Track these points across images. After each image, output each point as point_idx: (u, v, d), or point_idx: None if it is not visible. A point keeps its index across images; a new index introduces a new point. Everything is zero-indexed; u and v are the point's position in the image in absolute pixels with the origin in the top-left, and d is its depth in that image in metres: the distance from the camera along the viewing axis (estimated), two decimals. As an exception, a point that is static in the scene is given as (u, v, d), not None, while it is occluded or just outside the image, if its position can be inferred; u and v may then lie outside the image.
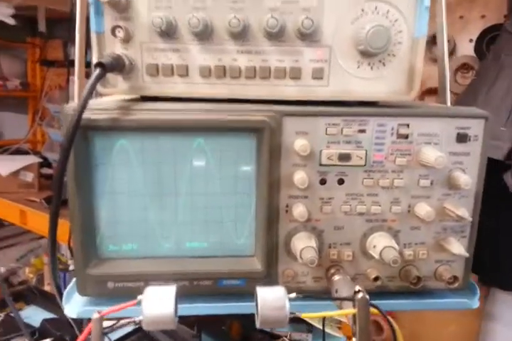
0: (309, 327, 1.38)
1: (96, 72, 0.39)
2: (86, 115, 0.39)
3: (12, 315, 1.41)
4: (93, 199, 0.44)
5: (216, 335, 1.34)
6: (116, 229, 0.45)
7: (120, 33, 0.43)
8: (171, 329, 0.31)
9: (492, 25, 1.49)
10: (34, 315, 1.41)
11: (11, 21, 1.26)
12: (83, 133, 0.41)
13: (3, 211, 1.86)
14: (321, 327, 1.31)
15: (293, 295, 0.32)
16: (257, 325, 0.31)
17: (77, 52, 0.49)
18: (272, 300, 0.29)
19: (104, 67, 0.39)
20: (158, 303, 0.31)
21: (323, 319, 0.76)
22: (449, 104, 0.56)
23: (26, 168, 2.01)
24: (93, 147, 0.43)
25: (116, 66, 0.42)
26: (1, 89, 2.52)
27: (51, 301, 1.61)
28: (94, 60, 0.43)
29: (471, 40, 1.55)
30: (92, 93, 0.39)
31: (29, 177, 2.02)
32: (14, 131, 2.91)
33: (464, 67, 1.58)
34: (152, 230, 0.45)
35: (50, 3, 1.29)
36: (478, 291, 0.49)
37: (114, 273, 0.44)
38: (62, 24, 2.35)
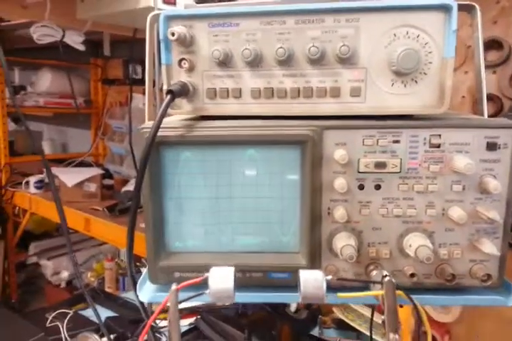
0: (358, 334, 1.41)
1: (167, 98, 0.47)
2: (159, 133, 0.48)
3: (80, 312, 1.55)
4: (163, 203, 0.53)
5: (266, 338, 1.40)
6: (181, 228, 0.53)
7: (185, 65, 0.52)
8: (230, 303, 0.38)
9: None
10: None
11: (82, 48, 1.41)
12: (156, 147, 0.50)
13: (69, 219, 2.00)
14: (369, 334, 1.33)
15: (329, 277, 0.38)
16: (299, 300, 0.37)
17: (147, 83, 0.58)
18: (312, 280, 0.35)
19: (174, 94, 0.48)
20: (221, 279, 0.38)
21: (371, 326, 0.80)
22: (485, 115, 0.59)
23: (90, 180, 2.17)
24: (163, 159, 0.51)
25: (183, 92, 0.50)
26: (68, 107, 2.75)
27: (113, 301, 1.75)
28: (165, 88, 0.51)
29: (528, 44, 1.52)
30: (164, 115, 0.47)
31: (92, 187, 2.18)
32: (78, 145, 3.16)
33: (521, 72, 1.56)
34: (211, 229, 0.53)
35: (115, 29, 1.43)
36: (514, 290, 0.52)
37: (180, 265, 0.52)
38: (121, 44, 2.55)
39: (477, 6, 0.56)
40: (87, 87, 3.03)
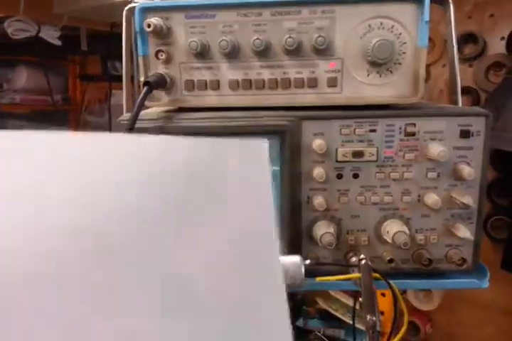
0: (342, 323, 1.43)
1: (144, 90, 0.47)
2: (137, 125, 0.48)
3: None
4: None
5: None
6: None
7: (162, 56, 0.52)
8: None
9: (525, 23, 1.49)
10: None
11: (58, 42, 1.39)
12: (135, 140, 0.50)
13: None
14: (352, 323, 1.35)
15: (308, 261, 0.39)
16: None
17: (124, 75, 0.57)
18: (290, 265, 0.36)
19: (151, 85, 0.48)
20: None
21: (353, 315, 0.82)
22: (460, 104, 0.60)
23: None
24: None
25: (160, 83, 0.50)
26: (46, 104, 2.69)
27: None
28: (142, 79, 0.51)
29: (502, 38, 1.56)
30: (141, 106, 0.47)
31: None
32: (57, 143, 3.09)
33: (497, 65, 1.60)
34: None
35: (92, 24, 1.41)
36: (488, 273, 0.54)
37: None
38: (99, 40, 2.51)
39: (451, 1, 0.58)
40: (65, 83, 2.98)
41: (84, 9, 1.23)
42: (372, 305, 0.37)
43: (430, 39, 1.65)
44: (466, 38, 1.61)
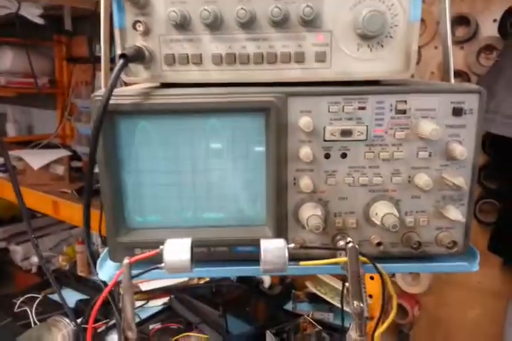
0: (331, 307, 1.43)
1: (120, 62, 0.44)
2: (112, 101, 0.45)
3: (49, 296, 1.51)
4: (120, 177, 0.50)
5: (241, 316, 1.40)
6: (141, 202, 0.51)
7: (140, 28, 0.48)
8: (189, 272, 0.36)
9: (516, 4, 1.46)
10: (69, 297, 1.50)
11: (40, 21, 1.33)
12: (110, 116, 0.47)
13: (37, 203, 1.93)
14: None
15: (291, 245, 0.37)
16: (261, 270, 0.36)
17: (102, 48, 0.54)
18: (273, 249, 0.34)
19: (127, 58, 0.45)
20: (176, 251, 0.36)
21: (342, 299, 0.80)
22: (452, 81, 0.58)
23: (57, 161, 2.09)
24: (118, 129, 0.48)
25: (138, 57, 0.47)
26: (32, 87, 2.62)
27: (84, 284, 1.71)
28: (118, 52, 0.48)
29: (494, 21, 1.53)
30: (117, 80, 0.44)
31: (60, 170, 2.11)
32: (44, 127, 3.04)
33: (488, 48, 1.57)
34: (173, 203, 0.51)
35: (75, 2, 1.35)
36: (478, 256, 0.53)
37: (141, 241, 0.50)
38: (85, 21, 2.43)
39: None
40: (52, 65, 2.91)
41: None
42: (359, 290, 0.35)
43: (422, 20, 1.63)
44: (458, 20, 1.58)
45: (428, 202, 0.51)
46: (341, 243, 0.49)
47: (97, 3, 1.47)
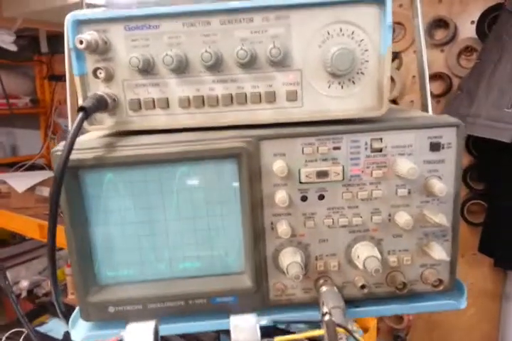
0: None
1: (79, 116, 0.42)
2: (74, 155, 0.42)
3: (37, 328, 1.47)
4: (88, 230, 0.47)
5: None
6: (112, 256, 0.48)
7: (101, 74, 0.46)
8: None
9: (493, 6, 1.48)
10: (57, 328, 1.47)
11: (13, 48, 1.30)
12: (73, 172, 0.45)
13: (22, 226, 1.90)
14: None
15: (264, 321, 0.35)
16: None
17: (68, 96, 0.52)
18: (243, 327, 0.32)
19: (86, 111, 0.42)
20: (138, 338, 0.34)
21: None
22: (430, 112, 0.56)
23: (42, 183, 2.06)
24: (84, 183, 0.46)
25: (99, 106, 0.45)
26: (13, 108, 2.58)
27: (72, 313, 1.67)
28: (80, 101, 0.46)
29: (472, 22, 1.54)
30: (76, 136, 0.42)
31: (45, 191, 2.07)
32: (29, 147, 2.99)
33: (467, 49, 1.58)
34: (146, 255, 0.48)
35: (49, 26, 1.33)
36: (466, 291, 0.51)
37: (113, 299, 0.48)
38: (63, 38, 2.40)
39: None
40: (33, 85, 2.87)
41: (37, 11, 1.16)
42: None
43: (401, 24, 1.63)
44: (437, 23, 1.59)
45: (410, 240, 0.49)
46: (324, 288, 0.47)
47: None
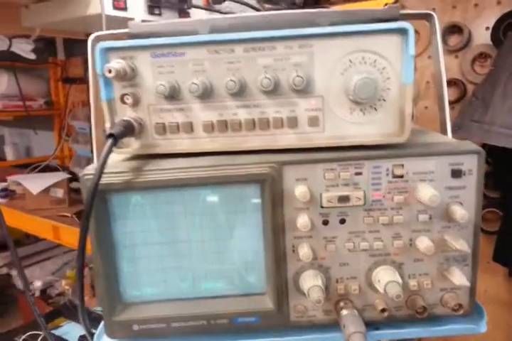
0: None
1: (109, 143, 0.43)
2: (103, 179, 0.44)
3: (53, 332, 1.50)
4: (114, 251, 0.49)
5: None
6: (137, 276, 0.50)
7: (129, 100, 0.47)
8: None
9: (508, 12, 1.46)
10: (72, 331, 1.49)
11: (32, 56, 1.32)
12: (101, 195, 0.46)
13: (37, 227, 1.93)
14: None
15: None
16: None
17: (92, 118, 0.53)
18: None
19: (115, 137, 0.44)
20: None
21: None
22: (449, 135, 0.56)
23: (56, 185, 2.08)
24: (111, 205, 0.48)
25: (127, 132, 0.46)
26: (30, 109, 2.62)
27: (87, 317, 1.69)
28: (108, 126, 0.47)
29: (487, 28, 1.53)
30: (106, 160, 0.43)
31: (59, 193, 2.10)
32: (43, 149, 3.04)
33: (481, 56, 1.56)
34: (169, 275, 0.50)
35: (66, 34, 1.35)
36: (485, 315, 0.52)
37: (138, 318, 0.49)
38: (80, 42, 2.43)
39: (434, 14, 0.54)
40: (47, 87, 2.90)
41: (56, 22, 1.17)
42: None
43: (415, 31, 1.62)
44: (451, 29, 1.58)
45: (431, 264, 0.50)
46: (345, 312, 0.48)
47: (88, 34, 1.47)
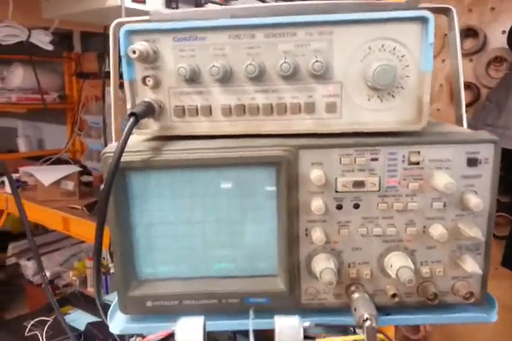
0: (343, 329, 1.41)
1: (130, 122, 0.44)
2: (123, 157, 0.45)
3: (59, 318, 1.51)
4: (131, 229, 0.50)
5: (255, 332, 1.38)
6: (153, 254, 0.51)
7: (150, 82, 0.48)
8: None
9: (526, 15, 1.45)
10: (79, 319, 1.50)
11: (50, 47, 1.34)
12: (121, 172, 0.47)
13: (47, 219, 1.95)
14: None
15: (307, 323, 0.36)
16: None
17: (112, 99, 0.54)
18: (287, 327, 0.33)
19: (137, 116, 0.45)
20: (189, 333, 0.36)
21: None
22: (465, 125, 0.57)
23: (67, 177, 2.11)
24: (130, 184, 0.49)
25: (148, 112, 0.47)
26: (42, 103, 2.65)
27: (95, 305, 1.71)
28: (129, 107, 0.48)
29: (503, 32, 1.52)
30: (128, 139, 0.44)
31: (70, 185, 2.12)
32: (55, 142, 3.07)
33: (497, 60, 1.56)
34: (184, 254, 0.51)
35: (84, 26, 1.37)
36: (496, 305, 0.52)
37: (152, 294, 0.50)
38: (95, 37, 2.46)
39: (453, 9, 0.54)
40: (61, 81, 2.94)
41: (74, 14, 1.19)
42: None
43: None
44: (466, 32, 1.57)
45: (444, 252, 0.50)
46: (356, 295, 0.48)
47: (106, 27, 1.49)
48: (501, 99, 1.42)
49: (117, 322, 0.51)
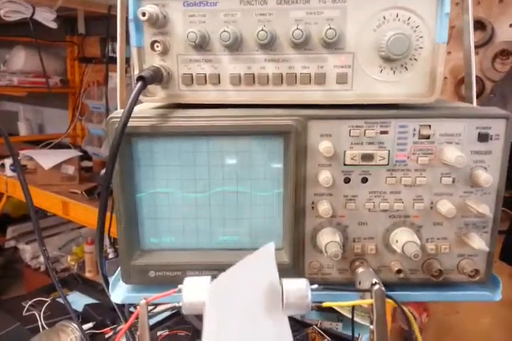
0: (339, 317, 1.42)
1: (138, 85, 0.43)
2: (129, 123, 0.44)
3: (58, 300, 1.51)
4: (136, 197, 0.49)
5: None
6: (157, 224, 0.50)
7: (158, 48, 0.47)
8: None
9: (535, 8, 1.43)
10: (77, 301, 1.50)
11: (54, 25, 1.33)
12: (127, 138, 0.46)
13: (46, 203, 1.94)
14: (350, 316, 1.33)
15: (315, 286, 0.35)
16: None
17: (118, 64, 0.53)
18: (295, 290, 0.33)
19: (145, 80, 0.44)
20: (195, 291, 0.36)
21: (353, 308, 0.79)
22: (474, 102, 0.56)
23: (67, 162, 2.10)
24: (136, 150, 0.48)
25: (156, 78, 0.46)
26: (43, 86, 2.63)
27: (92, 288, 1.71)
28: (136, 73, 0.47)
29: (511, 25, 1.50)
30: (135, 103, 0.43)
31: (70, 170, 2.11)
32: (56, 126, 3.06)
33: (503, 53, 1.54)
34: (188, 225, 0.50)
35: (88, 6, 1.35)
36: (501, 285, 0.51)
37: (155, 264, 0.49)
38: (98, 22, 2.44)
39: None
40: (64, 65, 2.92)
41: (79, -10, 1.17)
42: (385, 333, 0.34)
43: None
44: (474, 25, 1.56)
45: (450, 229, 0.49)
46: (360, 270, 0.48)
47: (110, 6, 1.47)
48: (506, 92, 1.40)
49: (119, 292, 0.51)
